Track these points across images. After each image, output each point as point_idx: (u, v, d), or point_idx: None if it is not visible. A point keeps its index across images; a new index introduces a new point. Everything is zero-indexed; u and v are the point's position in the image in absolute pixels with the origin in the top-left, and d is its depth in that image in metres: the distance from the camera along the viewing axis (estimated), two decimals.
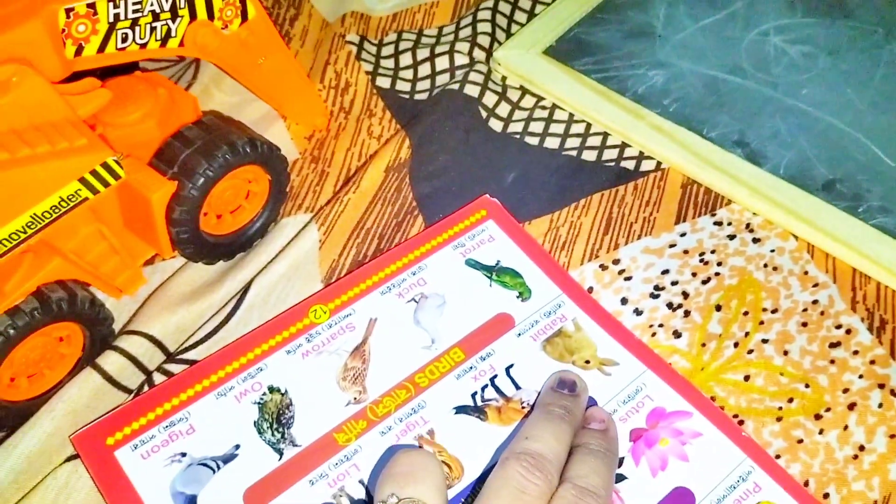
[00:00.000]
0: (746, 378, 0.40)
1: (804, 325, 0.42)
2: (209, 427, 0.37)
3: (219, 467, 0.36)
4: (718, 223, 0.46)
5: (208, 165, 0.40)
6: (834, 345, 0.41)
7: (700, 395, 0.39)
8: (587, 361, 0.40)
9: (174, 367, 0.39)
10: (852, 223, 0.46)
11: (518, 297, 0.43)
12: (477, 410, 0.38)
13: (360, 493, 0.36)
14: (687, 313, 0.43)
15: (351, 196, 0.46)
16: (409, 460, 0.32)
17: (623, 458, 0.37)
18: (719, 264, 0.44)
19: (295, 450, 0.37)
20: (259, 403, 0.38)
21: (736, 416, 0.39)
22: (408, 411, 0.38)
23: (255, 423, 0.38)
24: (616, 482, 0.36)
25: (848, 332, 0.42)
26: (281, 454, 0.37)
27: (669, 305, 0.43)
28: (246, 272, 0.43)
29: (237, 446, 0.37)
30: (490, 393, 0.39)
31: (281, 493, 0.36)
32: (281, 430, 0.37)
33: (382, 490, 0.31)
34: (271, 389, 0.39)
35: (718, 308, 0.43)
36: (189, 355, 0.40)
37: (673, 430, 0.38)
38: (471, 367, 0.40)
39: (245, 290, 0.42)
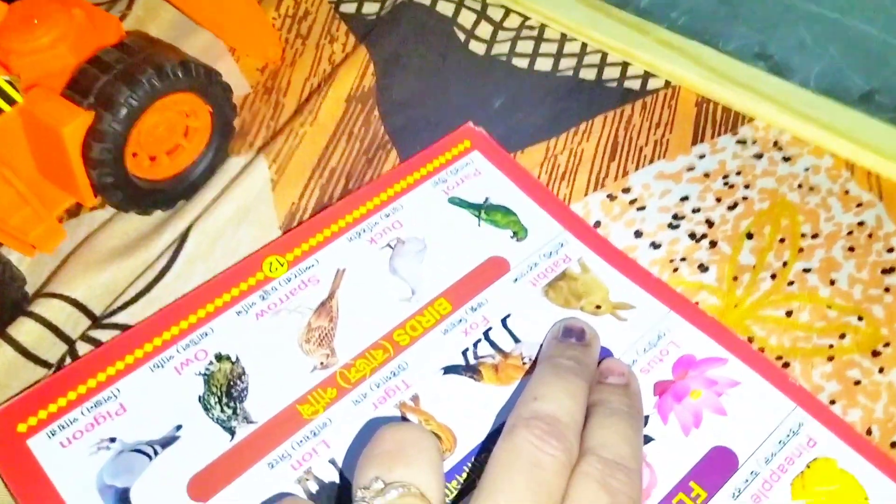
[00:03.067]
0: (788, 314, 0.35)
1: (851, 250, 0.36)
2: (144, 406, 0.32)
3: (156, 453, 0.30)
4: (742, 142, 0.41)
5: (131, 93, 0.34)
6: (887, 271, 0.36)
7: (735, 337, 0.34)
8: (598, 307, 0.35)
9: (102, 334, 0.33)
10: None
11: (512, 237, 0.37)
12: (469, 370, 0.33)
13: (332, 475, 0.30)
14: (713, 244, 0.37)
15: (307, 129, 0.40)
16: (398, 436, 0.26)
17: (648, 416, 0.31)
18: (747, 187, 0.39)
19: (250, 428, 0.31)
20: (204, 375, 0.32)
21: (779, 358, 0.34)
22: (386, 375, 0.33)
23: (200, 398, 0.32)
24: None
25: None
26: (233, 434, 0.31)
27: (692, 236, 0.37)
28: (187, 220, 0.37)
29: (178, 427, 0.31)
30: (484, 349, 0.33)
31: (233, 479, 0.30)
32: (232, 404, 0.32)
33: (364, 473, 0.25)
34: (219, 357, 0.33)
35: (750, 236, 0.37)
36: (119, 318, 0.34)
37: (705, 379, 0.32)
38: (460, 320, 0.34)
39: (183, 238, 0.36)
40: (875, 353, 0.34)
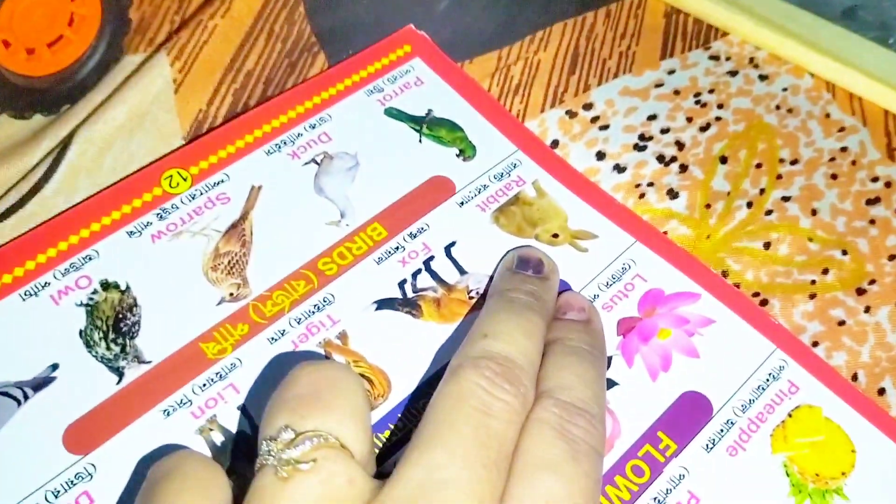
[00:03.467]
0: (766, 245, 0.31)
1: (833, 177, 0.33)
2: (12, 341, 0.26)
3: (27, 397, 0.25)
4: (715, 58, 0.37)
5: None
6: (872, 201, 0.33)
7: (708, 270, 0.30)
8: (555, 235, 0.30)
9: None
10: (881, 56, 0.37)
11: (458, 155, 0.32)
12: (406, 304, 0.28)
13: (241, 425, 0.25)
14: (684, 168, 0.33)
15: (218, 22, 0.34)
16: (315, 377, 0.21)
17: (611, 357, 0.28)
18: (720, 106, 0.35)
19: (141, 368, 0.26)
20: (87, 306, 0.27)
21: (756, 294, 0.30)
22: (309, 309, 0.28)
23: (81, 333, 0.27)
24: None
25: (888, 185, 0.33)
26: (121, 375, 0.26)
27: (660, 159, 0.33)
28: (70, 125, 0.31)
29: (54, 367, 0.26)
30: (425, 280, 0.29)
31: (120, 429, 0.25)
32: (120, 341, 0.27)
33: (272, 422, 0.21)
34: (105, 286, 0.28)
35: (724, 160, 0.33)
36: None
37: (675, 317, 0.29)
38: (397, 248, 0.30)
39: (65, 146, 0.30)
40: (860, 291, 0.30)
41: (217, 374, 0.26)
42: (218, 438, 0.25)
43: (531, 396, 0.23)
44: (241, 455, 0.25)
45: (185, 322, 0.27)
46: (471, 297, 0.29)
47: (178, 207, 0.30)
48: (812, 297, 0.30)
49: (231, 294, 0.28)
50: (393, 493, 0.19)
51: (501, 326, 0.24)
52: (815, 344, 0.29)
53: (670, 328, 0.28)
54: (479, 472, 0.20)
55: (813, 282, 0.31)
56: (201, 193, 0.30)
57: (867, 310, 0.30)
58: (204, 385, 0.26)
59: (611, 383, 0.27)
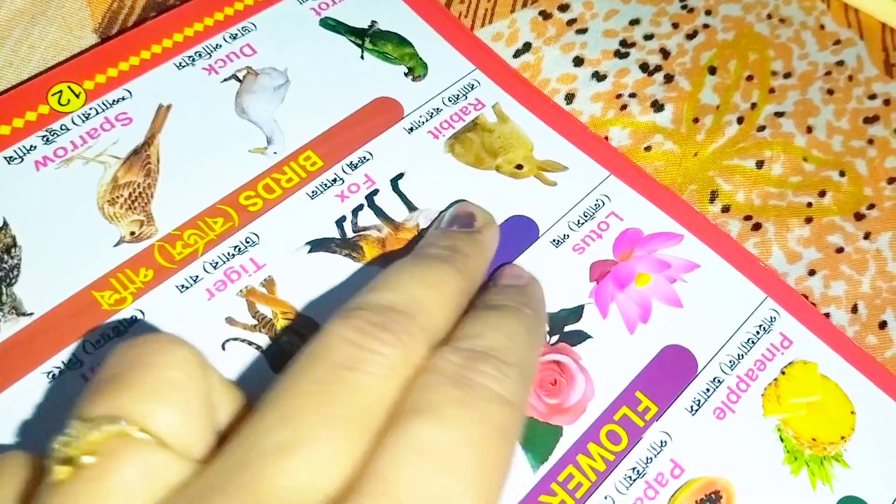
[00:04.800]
0: (759, 165, 0.28)
1: (829, 93, 0.30)
2: None
3: None
4: None
5: None
6: (870, 120, 0.30)
7: (691, 208, 0.27)
8: (519, 167, 0.27)
9: None
10: None
11: (407, 74, 0.28)
12: (346, 245, 0.24)
13: None
14: (669, 78, 0.30)
15: None
16: (128, 355, 0.17)
17: (583, 306, 0.24)
18: (708, 13, 0.32)
19: (21, 322, 0.22)
20: None
21: (749, 217, 0.27)
22: (228, 251, 0.24)
23: None
24: (574, 343, 0.23)
25: (886, 103, 0.31)
26: None
27: (644, 67, 0.30)
28: None
29: None
30: (367, 218, 0.25)
31: None
32: None
33: (79, 409, 0.16)
34: None
35: (712, 71, 0.30)
36: None
37: (655, 261, 0.25)
38: (334, 180, 0.26)
39: None
40: (858, 217, 0.28)
41: (114, 328, 0.22)
42: None
43: (422, 349, 0.18)
44: None
45: (76, 266, 0.23)
46: (422, 237, 0.25)
47: (68, 129, 0.25)
48: (808, 221, 0.28)
49: (132, 233, 0.24)
50: (215, 467, 0.15)
51: (396, 278, 0.20)
52: (812, 272, 0.26)
53: (650, 273, 0.25)
54: (332, 433, 0.16)
55: (809, 204, 0.28)
56: (97, 112, 0.25)
57: (867, 236, 0.27)
58: (98, 342, 0.22)
59: (583, 336, 0.24)
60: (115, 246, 0.23)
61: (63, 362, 0.22)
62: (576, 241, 0.25)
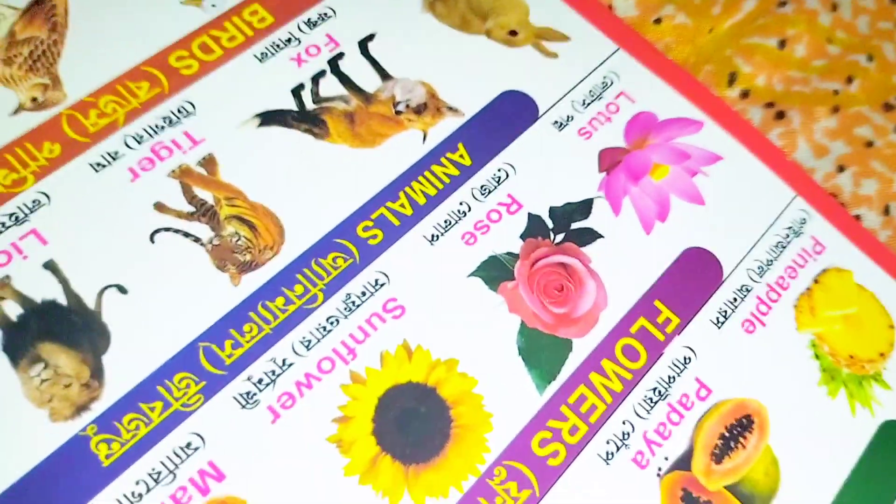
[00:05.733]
0: (781, 44, 0.25)
1: None
2: None
3: None
4: None
5: None
6: None
7: (710, 93, 0.23)
8: (513, 32, 0.22)
9: None
10: None
11: None
12: (306, 119, 0.20)
13: (48, 289, 0.17)
14: None
15: None
16: None
17: (591, 200, 0.20)
18: None
19: None
20: None
21: (771, 105, 0.24)
22: (156, 123, 0.19)
23: None
24: (583, 243, 0.20)
25: None
26: None
27: None
28: None
29: None
30: (331, 87, 0.21)
31: None
32: None
33: None
34: None
35: None
36: None
37: (673, 150, 0.22)
38: (288, 40, 0.21)
39: None
40: (888, 107, 0.25)
41: (11, 215, 0.18)
42: (13, 310, 0.17)
43: None
44: (48, 333, 0.17)
45: None
46: (397, 112, 0.20)
47: None
48: (835, 110, 0.24)
49: (34, 99, 0.19)
50: None
51: None
52: (842, 168, 0.24)
53: (667, 164, 0.21)
54: None
55: (836, 92, 0.25)
56: None
57: None
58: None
59: (593, 235, 0.20)
60: (12, 115, 0.19)
61: None
62: (581, 125, 0.21)
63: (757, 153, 0.22)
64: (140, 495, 0.16)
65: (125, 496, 0.16)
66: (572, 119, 0.22)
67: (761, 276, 0.21)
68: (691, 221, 0.21)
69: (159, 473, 0.16)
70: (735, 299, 0.20)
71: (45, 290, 0.17)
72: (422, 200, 0.19)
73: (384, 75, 0.21)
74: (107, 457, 0.16)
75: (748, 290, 0.20)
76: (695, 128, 0.22)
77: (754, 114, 0.24)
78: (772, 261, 0.21)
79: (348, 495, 0.16)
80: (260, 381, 0.17)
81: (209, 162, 0.19)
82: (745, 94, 0.24)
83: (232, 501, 0.16)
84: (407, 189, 0.20)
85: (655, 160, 0.21)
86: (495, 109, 0.21)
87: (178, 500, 0.16)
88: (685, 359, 0.19)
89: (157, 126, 0.19)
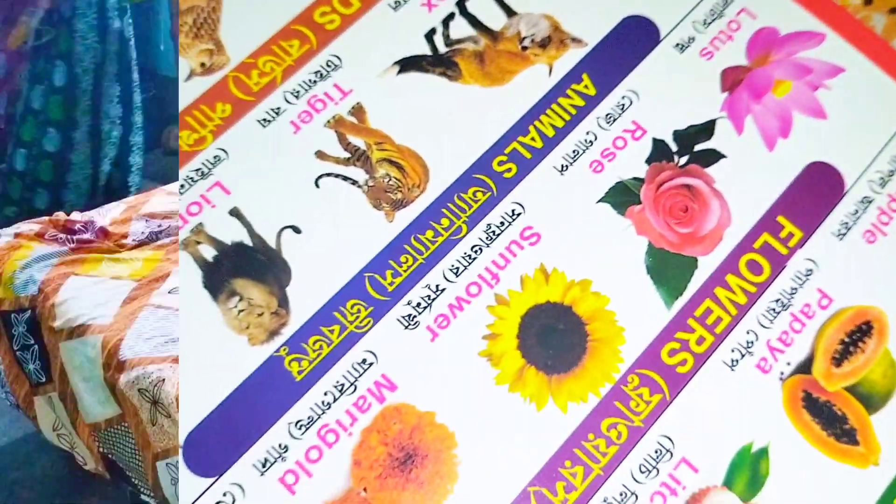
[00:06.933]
0: None
1: None
2: None
3: None
4: None
5: None
6: None
7: (830, 1, 0.23)
8: None
9: None
10: None
11: None
12: (440, 63, 0.22)
13: (235, 233, 0.20)
14: None
15: None
16: None
17: (714, 121, 0.22)
18: None
19: None
20: None
21: (895, 9, 0.24)
22: (309, 78, 0.22)
23: None
24: (707, 164, 0.21)
25: None
26: None
27: None
28: None
29: None
30: (460, 29, 0.22)
31: None
32: None
33: None
34: None
35: None
36: None
37: (795, 65, 0.22)
38: None
39: None
40: None
41: (198, 170, 0.21)
42: (209, 252, 0.20)
43: None
44: (239, 270, 0.20)
45: None
46: (524, 48, 0.22)
47: None
48: None
49: (202, 64, 0.22)
50: None
51: None
52: None
53: (789, 80, 0.22)
54: None
55: None
56: None
57: None
58: (183, 186, 0.20)
59: (716, 156, 0.21)
60: (185, 81, 0.21)
61: None
62: (703, 45, 0.22)
63: (879, 62, 0.23)
64: (329, 404, 0.19)
65: (317, 405, 0.19)
66: (694, 40, 0.22)
67: (883, 188, 0.22)
68: (813, 136, 0.22)
69: (343, 385, 0.19)
70: (857, 211, 0.21)
71: (233, 233, 0.20)
72: (550, 133, 0.21)
73: (509, 12, 0.23)
74: (298, 373, 0.19)
75: (869, 202, 0.21)
76: (817, 40, 0.23)
77: (877, 21, 0.24)
78: (893, 171, 0.22)
79: (500, 401, 0.19)
80: (418, 304, 0.20)
81: (358, 111, 0.21)
82: (868, 1, 0.24)
83: (405, 408, 0.19)
84: (536, 123, 0.21)
85: (778, 76, 0.22)
86: (617, 36, 0.22)
87: (360, 408, 0.19)
88: (808, 270, 0.21)
89: (310, 81, 0.22)
